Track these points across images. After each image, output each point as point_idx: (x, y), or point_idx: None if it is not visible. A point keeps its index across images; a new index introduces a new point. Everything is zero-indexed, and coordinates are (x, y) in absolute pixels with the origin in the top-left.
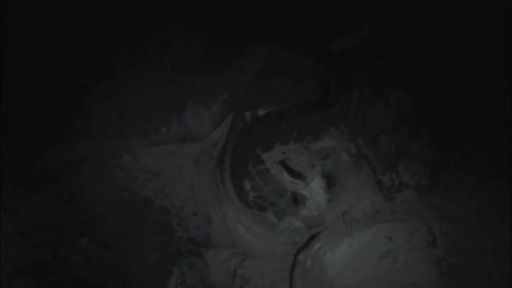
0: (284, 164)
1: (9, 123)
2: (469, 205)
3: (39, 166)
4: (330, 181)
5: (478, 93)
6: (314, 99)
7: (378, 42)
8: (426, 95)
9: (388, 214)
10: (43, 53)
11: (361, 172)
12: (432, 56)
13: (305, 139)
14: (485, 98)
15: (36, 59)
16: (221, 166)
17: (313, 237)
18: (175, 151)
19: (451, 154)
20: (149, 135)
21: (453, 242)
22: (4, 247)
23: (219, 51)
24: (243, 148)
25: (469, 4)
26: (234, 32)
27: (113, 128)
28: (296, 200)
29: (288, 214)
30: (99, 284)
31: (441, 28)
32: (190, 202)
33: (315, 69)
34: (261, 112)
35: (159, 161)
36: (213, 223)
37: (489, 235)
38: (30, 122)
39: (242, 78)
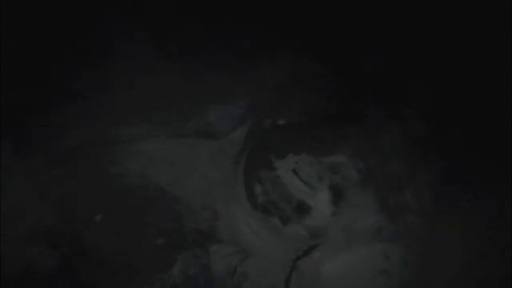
0: (294, 173)
1: (39, 99)
2: (470, 235)
3: (65, 143)
4: (336, 195)
5: (494, 125)
6: (332, 113)
7: (399, 64)
8: (441, 121)
9: (389, 233)
10: (75, 39)
11: (368, 190)
12: (449, 83)
13: (318, 152)
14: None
15: (68, 46)
16: (236, 167)
17: (314, 246)
18: (194, 145)
19: (459, 184)
20: (171, 127)
21: (447, 269)
22: (26, 213)
23: (248, 57)
24: (259, 153)
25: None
26: (263, 40)
27: (137, 116)
28: (302, 209)
29: (293, 221)
30: (106, 261)
31: (460, 54)
32: (202, 195)
33: (337, 84)
34: (280, 121)
35: (177, 152)
36: (220, 219)
37: (482, 265)
38: (60, 101)
39: (267, 85)
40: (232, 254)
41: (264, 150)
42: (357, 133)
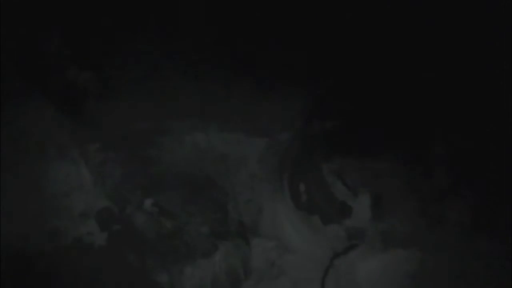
0: (339, 176)
1: (98, 84)
2: (506, 253)
3: (120, 130)
4: (377, 200)
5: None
6: (381, 121)
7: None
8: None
9: (425, 242)
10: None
11: (409, 198)
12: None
13: (364, 157)
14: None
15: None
16: (283, 165)
17: (351, 247)
18: (245, 141)
19: (500, 202)
20: (225, 122)
21: (480, 281)
22: (81, 193)
23: (300, 65)
24: (306, 153)
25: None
26: (313, 52)
27: (194, 110)
28: (343, 210)
29: (334, 222)
30: (153, 243)
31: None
32: (248, 190)
33: (386, 95)
34: (328, 125)
35: (229, 147)
36: (264, 214)
37: None
38: (117, 88)
39: (318, 89)
40: (272, 248)
41: (311, 151)
42: (403, 141)
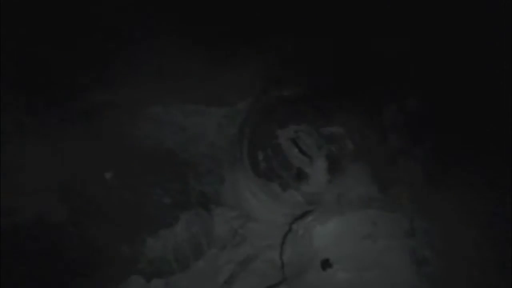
0: (294, 142)
1: (58, 63)
2: (455, 211)
3: (80, 103)
4: (333, 164)
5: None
6: (334, 88)
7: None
8: (438, 105)
9: (379, 202)
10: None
11: (363, 161)
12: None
13: (317, 123)
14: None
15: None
16: (241, 134)
17: (309, 211)
18: (203, 111)
19: (449, 161)
20: (183, 93)
21: (429, 237)
22: (38, 167)
23: (254, 33)
24: (263, 122)
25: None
26: (271, 17)
27: (151, 81)
28: (300, 176)
29: (292, 188)
30: (115, 216)
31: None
32: (208, 160)
33: (340, 61)
34: (284, 93)
35: (187, 117)
36: (225, 184)
37: (470, 238)
38: (76, 63)
39: (274, 59)
40: (234, 217)
41: (267, 119)
42: (356, 107)
